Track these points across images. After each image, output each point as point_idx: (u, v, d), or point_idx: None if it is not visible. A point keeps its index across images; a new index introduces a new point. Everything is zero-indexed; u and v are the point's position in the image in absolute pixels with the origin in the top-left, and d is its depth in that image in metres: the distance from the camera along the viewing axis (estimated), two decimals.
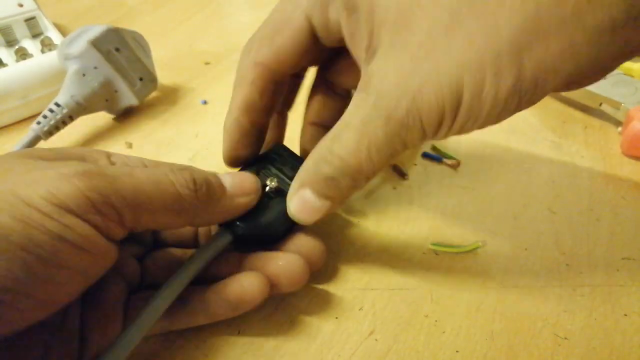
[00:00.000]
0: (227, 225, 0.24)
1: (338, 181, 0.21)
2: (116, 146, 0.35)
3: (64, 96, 0.33)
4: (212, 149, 0.35)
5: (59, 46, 0.34)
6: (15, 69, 0.36)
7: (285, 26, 0.23)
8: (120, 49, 0.35)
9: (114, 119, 0.38)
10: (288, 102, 0.30)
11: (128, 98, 0.36)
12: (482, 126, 0.20)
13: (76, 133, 0.36)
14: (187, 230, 0.26)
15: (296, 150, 0.28)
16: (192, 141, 0.36)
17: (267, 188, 0.25)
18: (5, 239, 0.16)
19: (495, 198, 0.31)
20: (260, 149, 0.27)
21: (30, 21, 0.41)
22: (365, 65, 0.20)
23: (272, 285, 0.23)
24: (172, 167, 0.21)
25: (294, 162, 0.26)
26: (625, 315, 0.25)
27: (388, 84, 0.19)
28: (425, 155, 0.34)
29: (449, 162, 0.33)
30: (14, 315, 0.17)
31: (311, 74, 0.29)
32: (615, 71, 0.36)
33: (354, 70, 0.23)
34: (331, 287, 0.27)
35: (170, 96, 0.40)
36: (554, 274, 0.27)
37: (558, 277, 0.27)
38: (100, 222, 0.18)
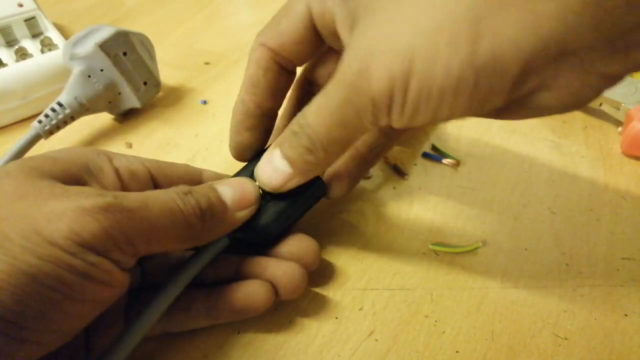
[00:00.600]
0: None
1: (299, 139, 0.21)
2: (116, 146, 0.35)
3: (68, 96, 0.33)
4: (212, 149, 0.35)
5: (65, 45, 0.34)
6: (15, 69, 0.36)
7: (290, 12, 0.24)
8: (127, 53, 0.35)
9: (114, 118, 0.38)
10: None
11: (131, 101, 0.36)
12: (439, 113, 0.18)
13: (76, 132, 0.36)
14: None
15: None
16: (192, 141, 0.36)
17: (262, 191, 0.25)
18: (34, 279, 0.16)
19: (495, 198, 0.31)
20: (267, 142, 0.27)
21: (30, 21, 0.41)
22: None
23: None
24: (177, 191, 0.21)
25: None
26: (626, 315, 0.25)
27: (351, 52, 0.18)
28: (425, 155, 0.34)
29: (449, 162, 0.33)
30: (36, 349, 0.17)
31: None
32: None
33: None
34: (331, 288, 0.27)
35: (171, 96, 0.40)
36: (554, 274, 0.27)
37: (558, 277, 0.27)
38: (120, 257, 0.18)
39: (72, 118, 0.34)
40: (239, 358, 0.24)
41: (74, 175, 0.21)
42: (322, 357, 0.24)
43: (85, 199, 0.18)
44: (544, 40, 0.15)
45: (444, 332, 0.25)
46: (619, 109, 0.35)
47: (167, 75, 0.41)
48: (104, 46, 0.33)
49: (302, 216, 0.27)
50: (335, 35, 0.22)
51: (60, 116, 0.33)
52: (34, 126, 0.32)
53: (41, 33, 0.42)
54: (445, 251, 0.28)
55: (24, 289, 0.16)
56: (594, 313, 0.25)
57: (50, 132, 0.33)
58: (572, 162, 0.34)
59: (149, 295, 0.24)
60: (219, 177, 0.27)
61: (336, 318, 0.25)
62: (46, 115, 0.33)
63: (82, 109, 0.34)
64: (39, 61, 0.37)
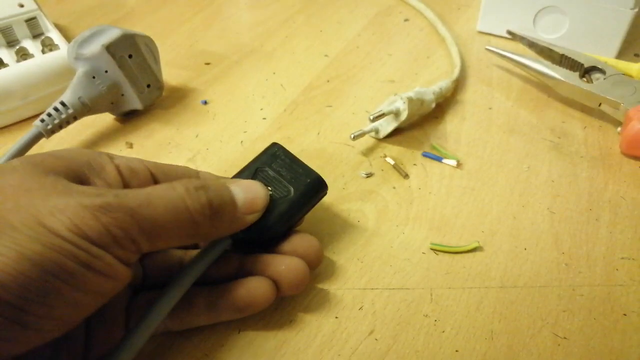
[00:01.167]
0: None
1: None
2: (117, 146, 0.36)
3: (71, 96, 0.33)
4: (213, 149, 0.35)
5: (71, 44, 0.34)
6: (16, 70, 0.36)
7: None
8: (132, 56, 0.35)
9: (115, 118, 0.38)
10: None
11: (133, 102, 0.36)
12: None
13: (77, 132, 0.36)
14: None
15: (296, 151, 0.28)
16: (192, 141, 0.36)
17: None
18: (38, 266, 0.16)
19: (494, 198, 0.31)
20: None
21: (31, 21, 0.41)
22: None
23: None
24: (188, 187, 0.21)
25: (291, 163, 0.26)
26: (625, 314, 0.25)
27: None
28: (425, 155, 0.34)
29: (449, 162, 0.33)
30: (37, 336, 0.17)
31: None
32: (615, 71, 0.37)
33: None
34: (331, 287, 0.27)
35: (171, 96, 0.40)
36: (553, 273, 0.27)
37: (557, 277, 0.27)
38: (121, 253, 0.18)
39: (74, 118, 0.34)
40: (239, 357, 0.24)
41: (76, 172, 0.21)
42: (322, 356, 0.24)
43: (87, 197, 0.18)
44: None
45: (443, 331, 0.25)
46: (618, 109, 0.35)
47: (168, 75, 0.41)
48: (110, 48, 0.33)
49: (305, 215, 0.27)
50: None
51: (63, 116, 0.33)
52: (36, 125, 0.33)
53: (42, 33, 0.42)
54: (445, 251, 0.28)
55: (28, 275, 0.16)
56: (593, 313, 0.25)
57: (52, 131, 0.33)
58: (572, 162, 0.34)
59: (150, 295, 0.24)
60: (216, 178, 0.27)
61: (336, 317, 0.25)
62: (49, 115, 0.33)
63: (85, 109, 0.34)
64: (40, 61, 0.37)
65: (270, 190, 0.25)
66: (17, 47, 0.40)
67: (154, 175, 0.24)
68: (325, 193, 0.27)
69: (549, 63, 0.38)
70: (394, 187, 0.32)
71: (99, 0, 0.52)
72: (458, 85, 0.40)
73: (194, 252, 0.26)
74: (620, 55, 0.42)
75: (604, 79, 0.36)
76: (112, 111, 0.37)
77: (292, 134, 0.36)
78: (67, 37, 0.45)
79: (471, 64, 0.43)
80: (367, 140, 0.35)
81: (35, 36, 0.42)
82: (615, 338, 0.24)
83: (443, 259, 0.28)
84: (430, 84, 0.37)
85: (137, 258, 0.20)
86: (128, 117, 0.38)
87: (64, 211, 0.17)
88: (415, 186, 0.32)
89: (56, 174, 0.20)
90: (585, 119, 0.37)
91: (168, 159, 0.34)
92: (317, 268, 0.26)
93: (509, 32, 0.43)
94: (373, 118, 0.33)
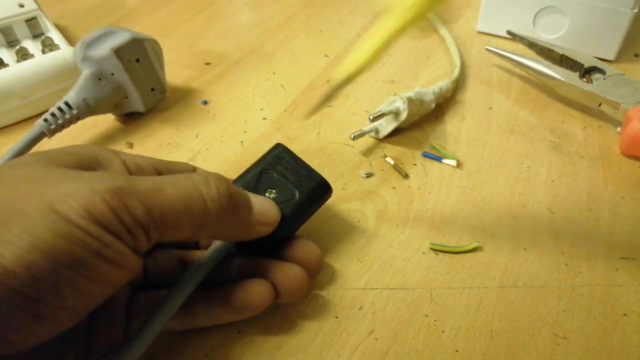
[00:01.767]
0: None
1: None
2: (117, 146, 0.36)
3: (76, 97, 0.33)
4: (213, 149, 0.35)
5: (78, 45, 0.34)
6: (16, 70, 0.36)
7: None
8: (140, 60, 0.35)
9: (116, 118, 0.38)
10: None
11: (136, 105, 0.36)
12: None
13: (78, 132, 0.36)
14: None
15: (296, 151, 0.28)
16: (192, 141, 0.36)
17: (267, 196, 0.25)
18: (50, 256, 0.16)
19: (494, 198, 0.31)
20: None
21: (31, 22, 0.41)
22: None
23: None
24: (207, 176, 0.21)
25: (295, 165, 0.26)
26: (625, 314, 0.25)
27: None
28: (425, 155, 0.34)
29: (449, 162, 0.33)
30: (50, 326, 0.17)
31: None
32: (615, 71, 0.37)
33: None
34: (331, 287, 0.27)
35: (171, 96, 0.40)
36: (553, 273, 0.27)
37: (557, 277, 0.27)
38: (131, 241, 0.18)
39: (77, 118, 0.34)
40: (240, 357, 0.24)
41: (85, 166, 0.21)
42: (322, 356, 0.24)
43: (97, 181, 0.18)
44: None
45: (443, 331, 0.25)
46: (618, 109, 0.35)
47: (168, 75, 0.41)
48: (119, 52, 0.33)
49: (309, 218, 0.27)
50: None
51: (67, 116, 0.33)
52: (39, 124, 0.32)
53: (42, 33, 0.42)
54: (445, 251, 0.28)
55: (40, 265, 0.16)
56: (593, 313, 0.25)
57: (54, 131, 0.33)
58: (571, 162, 0.34)
59: (151, 294, 0.24)
60: None
61: (336, 317, 0.25)
62: (52, 114, 0.33)
63: (89, 110, 0.34)
64: (40, 62, 0.37)
65: (275, 193, 0.25)
66: (18, 47, 0.40)
67: (160, 172, 0.24)
68: (330, 196, 0.27)
69: (549, 63, 0.38)
70: (394, 187, 0.32)
71: (99, 0, 0.52)
72: (458, 85, 0.40)
73: (194, 253, 0.26)
74: (620, 55, 0.42)
75: (604, 79, 0.36)
76: (114, 112, 0.37)
77: (292, 134, 0.36)
78: (67, 37, 0.45)
79: (471, 64, 0.43)
80: (367, 140, 0.35)
81: (35, 36, 0.42)
82: (615, 338, 0.24)
83: (443, 259, 0.28)
84: (430, 84, 0.37)
85: (147, 248, 0.19)
86: (128, 117, 0.38)
87: (75, 197, 0.17)
88: (415, 186, 0.32)
89: (66, 166, 0.20)
90: (585, 119, 0.37)
91: (168, 159, 0.34)
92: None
93: (509, 32, 0.43)
94: (373, 118, 0.33)
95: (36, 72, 0.36)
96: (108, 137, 0.36)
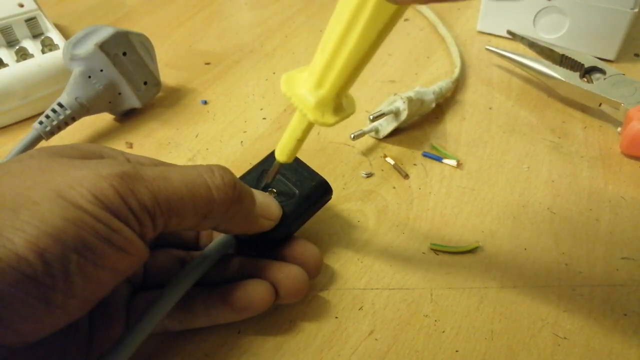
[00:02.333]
0: None
1: None
2: (117, 146, 0.36)
3: (68, 97, 0.33)
4: (213, 149, 0.35)
5: (65, 46, 0.34)
6: (16, 69, 0.36)
7: None
8: (127, 53, 0.35)
9: (115, 119, 0.38)
10: None
11: (131, 101, 0.36)
12: None
13: (77, 133, 0.36)
14: (189, 232, 0.27)
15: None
16: (192, 141, 0.36)
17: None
18: (60, 242, 0.16)
19: (494, 198, 0.31)
20: None
21: (31, 21, 0.41)
22: None
23: None
24: (213, 167, 0.21)
25: (296, 166, 0.26)
26: (625, 315, 0.25)
27: None
28: (425, 155, 0.34)
29: (449, 162, 0.33)
30: (61, 315, 0.17)
31: None
32: (615, 71, 0.37)
33: None
34: (331, 287, 0.27)
35: (171, 96, 0.40)
36: (554, 273, 0.27)
37: (557, 277, 0.27)
38: (138, 227, 0.18)
39: (72, 119, 0.34)
40: (239, 357, 0.24)
41: (90, 158, 0.21)
42: (322, 356, 0.24)
43: (103, 167, 0.18)
44: None
45: (443, 331, 0.25)
46: (618, 109, 0.35)
47: (168, 75, 0.41)
48: (104, 46, 0.33)
49: (309, 219, 0.27)
50: None
51: (61, 117, 0.33)
52: (34, 127, 0.33)
53: (42, 33, 0.42)
54: (445, 251, 0.28)
55: (51, 251, 0.16)
56: (594, 313, 0.25)
57: (51, 133, 0.33)
58: (572, 162, 0.34)
59: (151, 293, 0.24)
60: None
61: (336, 317, 0.25)
62: (47, 117, 0.33)
63: (83, 109, 0.34)
64: (40, 61, 0.37)
65: (276, 192, 0.25)
66: (17, 47, 0.40)
67: None
68: (330, 197, 0.27)
69: (549, 63, 0.38)
70: (394, 187, 0.32)
71: (99, 0, 0.52)
72: (458, 85, 0.40)
73: (194, 253, 0.26)
74: (621, 55, 0.42)
75: (604, 79, 0.36)
76: (110, 111, 0.37)
77: None
78: (67, 37, 0.45)
79: (471, 64, 0.43)
80: (367, 140, 0.35)
81: (35, 36, 0.42)
82: (615, 338, 0.24)
83: (443, 259, 0.28)
84: (430, 84, 0.37)
85: (153, 236, 0.19)
86: (128, 117, 0.38)
87: (82, 182, 0.17)
88: (415, 186, 0.32)
89: (72, 158, 0.20)
90: (585, 119, 0.37)
91: (168, 159, 0.34)
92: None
93: (509, 32, 0.43)
94: (373, 118, 0.33)
95: (36, 72, 0.36)
96: (107, 138, 0.36)
